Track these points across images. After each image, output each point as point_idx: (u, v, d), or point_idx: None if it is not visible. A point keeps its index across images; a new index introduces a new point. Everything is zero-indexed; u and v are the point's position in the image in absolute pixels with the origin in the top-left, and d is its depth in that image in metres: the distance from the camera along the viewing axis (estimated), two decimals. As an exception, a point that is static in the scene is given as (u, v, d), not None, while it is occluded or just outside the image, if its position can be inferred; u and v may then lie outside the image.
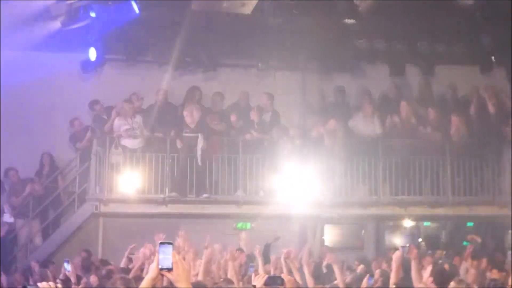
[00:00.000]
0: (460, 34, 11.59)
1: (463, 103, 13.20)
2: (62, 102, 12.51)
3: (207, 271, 6.94)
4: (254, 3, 9.02)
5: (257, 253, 8.06)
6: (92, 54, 10.99)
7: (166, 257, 2.89)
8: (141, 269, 7.04)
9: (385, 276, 6.92)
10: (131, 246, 8.28)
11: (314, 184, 11.75)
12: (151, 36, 11.81)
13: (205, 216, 11.96)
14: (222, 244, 8.12)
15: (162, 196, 11.55)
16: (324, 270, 8.59)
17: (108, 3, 9.18)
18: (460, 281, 6.66)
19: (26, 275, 9.50)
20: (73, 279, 6.79)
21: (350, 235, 13.58)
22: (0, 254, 10.40)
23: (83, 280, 7.29)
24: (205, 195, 11.58)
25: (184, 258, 7.21)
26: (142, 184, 11.52)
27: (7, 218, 11.18)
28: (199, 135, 11.49)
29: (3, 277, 9.15)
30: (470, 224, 13.44)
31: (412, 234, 13.76)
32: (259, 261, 7.81)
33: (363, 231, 13.57)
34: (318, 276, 8.31)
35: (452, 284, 6.42)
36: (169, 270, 2.89)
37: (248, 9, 9.08)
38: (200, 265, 6.92)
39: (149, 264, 6.61)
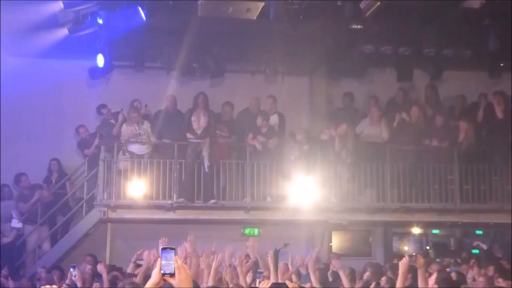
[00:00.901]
0: (468, 39, 11.54)
1: (471, 109, 13.14)
2: (70, 109, 12.59)
3: (216, 277, 6.90)
4: (259, 8, 9.03)
5: (270, 260, 7.79)
6: (100, 60, 11.02)
7: (168, 262, 2.89)
8: (146, 274, 7.01)
9: (392, 283, 6.87)
10: (138, 252, 8.27)
11: (321, 189, 11.73)
12: (158, 43, 11.84)
13: (212, 222, 11.96)
14: (231, 249, 8.01)
15: (169, 202, 11.55)
16: (330, 278, 8.49)
17: (115, 10, 9.22)
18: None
19: (33, 281, 9.52)
20: (79, 284, 6.79)
21: (358, 241, 13.52)
22: (8, 259, 10.44)
23: (95, 286, 7.26)
24: (212, 201, 11.58)
25: (189, 264, 7.22)
26: (150, 190, 11.53)
27: (15, 223, 11.22)
28: (206, 141, 11.48)
29: (11, 282, 9.18)
30: (479, 232, 13.34)
31: (420, 242, 13.68)
32: (271, 268, 7.49)
33: (370, 238, 13.51)
34: (325, 282, 8.26)
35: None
36: (172, 275, 2.89)
37: (253, 14, 9.10)
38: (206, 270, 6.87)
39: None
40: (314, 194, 11.56)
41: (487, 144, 12.45)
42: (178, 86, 12.64)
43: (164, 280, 2.91)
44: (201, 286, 6.62)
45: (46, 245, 11.77)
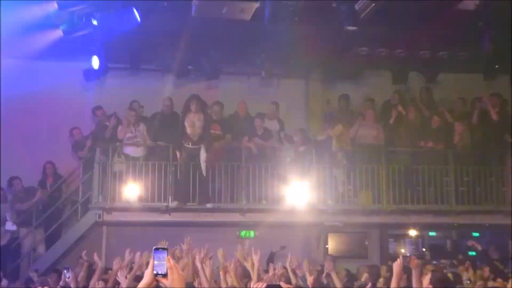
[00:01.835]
0: (463, 41, 11.56)
1: (466, 111, 13.14)
2: (65, 111, 12.52)
3: (210, 279, 6.87)
4: (253, 9, 9.02)
5: (256, 261, 7.00)
6: (95, 62, 11.00)
7: (160, 263, 2.87)
8: (137, 275, 6.97)
9: (389, 285, 6.85)
10: (128, 256, 8.08)
11: (317, 191, 11.73)
12: (153, 44, 11.81)
13: (208, 224, 11.93)
14: (225, 251, 7.98)
15: (165, 204, 11.53)
16: (325, 281, 8.45)
17: (110, 11, 9.19)
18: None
19: (27, 284, 9.47)
20: (72, 285, 6.76)
21: (354, 243, 13.51)
22: (2, 262, 10.38)
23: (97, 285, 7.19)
24: (209, 205, 11.53)
25: (185, 264, 7.20)
26: (145, 192, 11.50)
27: (9, 226, 11.18)
28: (202, 146, 11.40)
29: (4, 281, 9.13)
30: (475, 234, 13.36)
31: (417, 243, 13.68)
32: (254, 272, 6.87)
33: (366, 240, 13.50)
34: (320, 285, 8.24)
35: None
36: (164, 276, 2.87)
37: (247, 15, 9.08)
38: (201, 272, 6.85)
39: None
40: (310, 196, 11.56)
41: (482, 145, 12.47)
42: (174, 88, 12.61)
43: (157, 280, 2.88)
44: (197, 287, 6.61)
45: (41, 248, 11.71)
